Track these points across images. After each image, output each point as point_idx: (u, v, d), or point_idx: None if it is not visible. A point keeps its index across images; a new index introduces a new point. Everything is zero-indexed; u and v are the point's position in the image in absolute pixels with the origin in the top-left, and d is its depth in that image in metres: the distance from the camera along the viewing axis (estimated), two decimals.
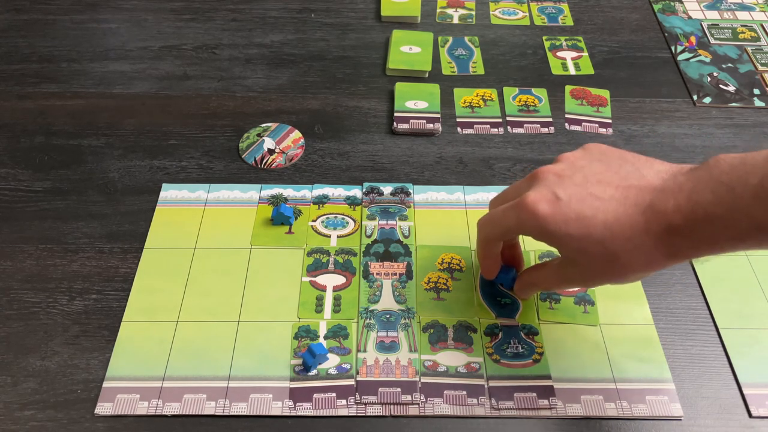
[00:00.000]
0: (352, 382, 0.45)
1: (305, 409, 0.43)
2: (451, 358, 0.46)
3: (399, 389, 0.44)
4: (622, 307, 0.50)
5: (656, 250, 0.37)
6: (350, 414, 0.43)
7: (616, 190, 0.38)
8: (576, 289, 0.50)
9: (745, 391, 0.45)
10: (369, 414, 0.43)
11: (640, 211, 0.37)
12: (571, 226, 0.38)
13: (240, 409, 0.43)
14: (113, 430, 0.43)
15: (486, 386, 0.45)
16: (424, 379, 0.45)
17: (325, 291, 0.50)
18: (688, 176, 0.36)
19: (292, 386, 0.45)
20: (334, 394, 0.44)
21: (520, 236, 0.50)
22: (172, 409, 0.43)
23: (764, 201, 0.32)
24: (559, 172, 0.40)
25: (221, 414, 0.43)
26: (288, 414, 0.43)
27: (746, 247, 0.35)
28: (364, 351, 0.46)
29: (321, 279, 0.51)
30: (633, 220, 0.37)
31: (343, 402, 0.44)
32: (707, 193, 0.34)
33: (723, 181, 0.34)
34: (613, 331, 0.48)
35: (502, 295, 0.50)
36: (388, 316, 0.48)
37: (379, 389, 0.44)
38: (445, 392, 0.44)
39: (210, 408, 0.43)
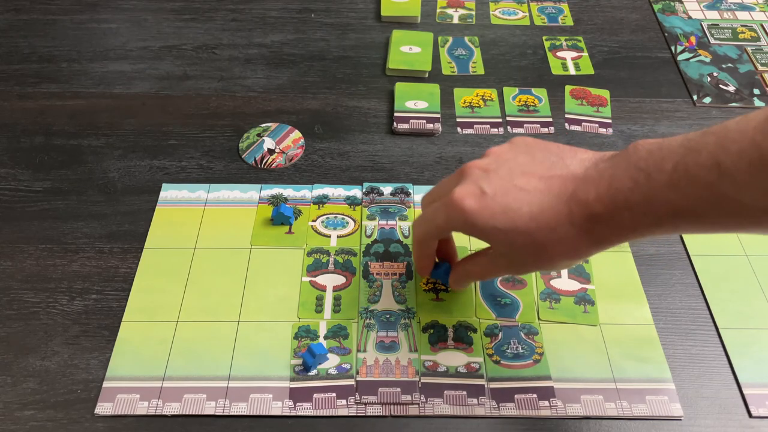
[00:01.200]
0: (352, 382, 0.45)
1: (305, 409, 0.43)
2: (451, 358, 0.46)
3: (399, 389, 0.44)
4: (622, 307, 0.50)
5: (580, 239, 0.37)
6: (350, 414, 0.43)
7: (540, 181, 0.38)
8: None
9: (745, 391, 0.45)
10: (369, 414, 0.43)
11: (563, 201, 0.37)
12: (498, 219, 0.38)
13: (240, 409, 0.44)
14: (113, 430, 0.43)
15: (486, 387, 0.45)
16: (424, 380, 0.45)
17: (325, 291, 0.50)
18: (608, 164, 0.37)
19: (292, 386, 0.45)
20: (334, 394, 0.44)
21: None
22: (172, 409, 0.43)
23: (678, 186, 0.33)
24: (485, 166, 0.40)
25: (221, 414, 0.43)
26: (288, 414, 0.43)
27: (665, 232, 0.35)
28: (364, 351, 0.46)
29: (321, 279, 0.51)
30: (557, 210, 0.37)
31: (343, 402, 0.44)
32: (626, 180, 0.35)
33: (641, 167, 0.34)
34: (613, 331, 0.48)
35: (502, 295, 0.50)
36: (388, 316, 0.48)
37: (379, 389, 0.44)
38: (445, 392, 0.44)
39: (210, 408, 0.43)
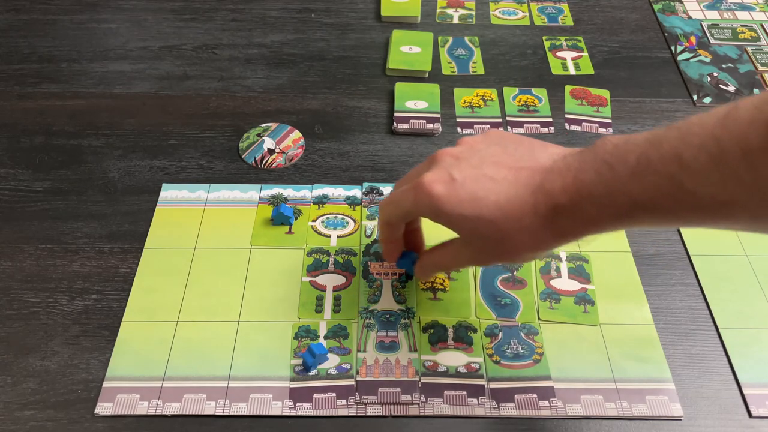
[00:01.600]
0: (352, 382, 0.45)
1: (305, 409, 0.43)
2: (451, 358, 0.46)
3: (399, 389, 0.44)
4: (622, 307, 0.50)
5: (544, 230, 0.37)
6: (350, 414, 0.43)
7: (509, 171, 0.38)
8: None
9: (745, 391, 0.45)
10: (369, 414, 0.43)
11: (530, 192, 0.37)
12: (465, 206, 0.38)
13: (240, 409, 0.44)
14: (113, 430, 0.43)
15: (486, 387, 0.45)
16: (424, 380, 0.45)
17: (325, 291, 0.50)
18: (576, 157, 0.37)
19: (292, 386, 0.45)
20: (334, 394, 0.44)
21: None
22: (172, 409, 0.43)
23: (639, 178, 0.33)
24: (457, 154, 0.41)
25: (221, 414, 0.43)
26: (288, 414, 0.43)
27: (627, 225, 0.36)
28: (364, 351, 0.46)
29: (321, 279, 0.51)
30: (523, 201, 0.37)
31: (343, 402, 0.44)
32: (591, 173, 0.35)
33: (606, 160, 0.35)
34: (613, 331, 0.48)
35: (502, 295, 0.50)
36: (387, 315, 0.48)
37: (379, 389, 0.44)
38: (445, 392, 0.44)
39: (210, 408, 0.43)
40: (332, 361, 0.46)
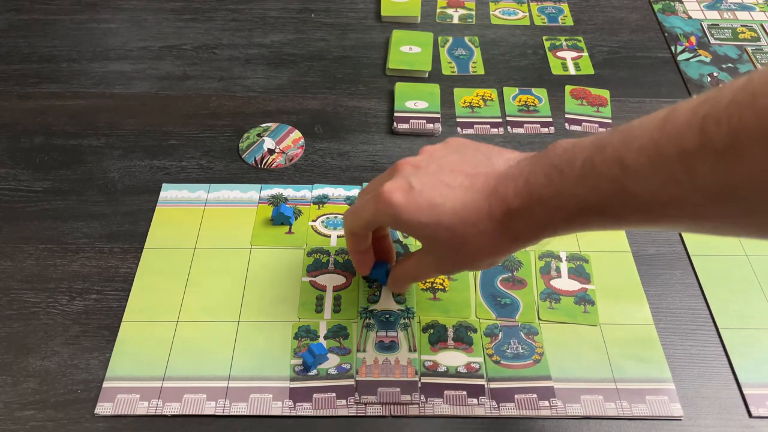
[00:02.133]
0: (352, 382, 0.45)
1: (305, 409, 0.43)
2: (451, 358, 0.46)
3: (398, 389, 0.44)
4: (622, 307, 0.50)
5: (500, 234, 0.38)
6: (350, 414, 0.43)
7: (465, 177, 0.39)
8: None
9: (745, 391, 0.45)
10: (369, 414, 0.43)
11: (484, 197, 0.38)
12: (423, 213, 0.39)
13: (240, 409, 0.44)
14: (113, 430, 0.43)
15: (486, 387, 0.45)
16: (424, 380, 0.45)
17: (325, 291, 0.50)
18: (528, 161, 0.38)
19: (292, 386, 0.45)
20: (333, 394, 0.44)
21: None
22: (172, 409, 0.43)
23: (586, 180, 0.33)
24: (417, 163, 0.41)
25: (221, 414, 0.43)
26: (288, 414, 0.43)
27: (578, 228, 0.36)
28: (364, 351, 0.46)
29: (321, 279, 0.51)
30: (478, 206, 0.38)
31: (343, 402, 0.44)
32: (541, 176, 0.36)
33: (555, 163, 0.35)
34: (613, 331, 0.48)
35: (502, 295, 0.50)
36: (387, 315, 0.48)
37: (379, 389, 0.44)
38: (445, 392, 0.44)
39: (210, 408, 0.43)
40: (332, 361, 0.46)
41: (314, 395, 0.44)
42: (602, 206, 0.34)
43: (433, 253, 0.42)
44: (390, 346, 0.47)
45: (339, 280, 0.51)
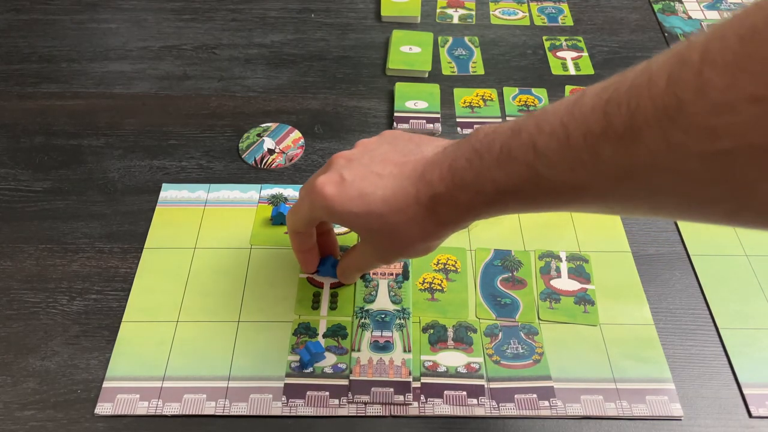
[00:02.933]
0: (346, 382, 0.45)
1: (299, 407, 0.43)
2: (451, 358, 0.46)
3: (392, 389, 0.44)
4: (622, 307, 0.50)
5: (428, 219, 0.38)
6: (350, 414, 0.43)
7: (395, 166, 0.40)
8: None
9: (745, 391, 0.45)
10: (369, 414, 0.43)
11: (412, 183, 0.38)
12: (354, 203, 0.39)
13: (240, 409, 0.44)
14: (113, 430, 0.43)
15: (486, 387, 0.45)
16: (424, 380, 0.45)
17: (322, 288, 0.50)
18: (453, 147, 0.38)
19: (286, 382, 0.45)
20: (327, 393, 0.44)
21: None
22: (172, 409, 0.43)
23: (503, 165, 0.34)
24: (350, 156, 0.42)
25: (221, 414, 0.43)
26: (288, 414, 0.43)
27: (499, 211, 0.37)
28: (358, 350, 0.46)
29: (318, 276, 0.51)
30: (406, 192, 0.38)
31: (336, 401, 0.44)
32: (463, 161, 0.36)
33: (476, 149, 0.36)
34: (613, 331, 0.48)
35: (502, 295, 0.50)
36: (383, 316, 0.48)
37: (372, 389, 0.44)
38: (445, 392, 0.44)
39: (210, 408, 0.43)
40: (329, 360, 0.46)
41: (308, 393, 0.44)
42: (519, 190, 0.34)
43: (370, 242, 0.43)
44: (385, 346, 0.47)
45: None
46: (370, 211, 0.39)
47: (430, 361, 0.46)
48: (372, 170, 0.40)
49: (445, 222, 0.38)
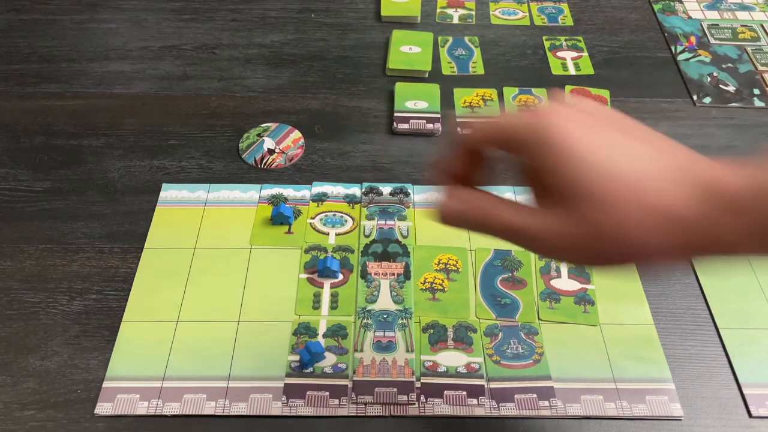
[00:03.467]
0: (346, 382, 0.45)
1: (298, 407, 0.43)
2: (451, 358, 0.46)
3: (395, 389, 0.44)
4: (622, 307, 0.50)
5: (700, 231, 0.28)
6: (350, 414, 0.43)
7: (653, 149, 0.30)
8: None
9: (745, 391, 0.45)
10: (369, 414, 0.43)
11: (688, 175, 0.29)
12: (602, 154, 0.29)
13: (240, 409, 0.43)
14: (113, 430, 0.43)
15: (486, 387, 0.45)
16: (424, 380, 0.45)
17: (323, 288, 0.50)
18: (747, 161, 0.29)
19: (286, 382, 0.45)
20: (327, 393, 0.44)
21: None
22: (172, 409, 0.43)
23: None
24: (577, 112, 0.31)
25: (221, 414, 0.43)
26: (288, 414, 0.43)
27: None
28: (361, 351, 0.46)
29: (318, 276, 0.51)
30: (683, 186, 0.29)
31: (336, 401, 0.44)
32: None
33: None
34: (613, 331, 0.48)
35: (502, 295, 0.50)
36: (385, 316, 0.48)
37: (375, 389, 0.44)
38: (445, 392, 0.44)
39: (210, 408, 0.43)
40: (329, 360, 0.46)
41: (308, 393, 0.44)
42: None
43: (576, 220, 0.29)
44: (387, 347, 0.47)
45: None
46: (617, 177, 0.28)
47: (430, 361, 0.46)
48: (621, 133, 0.30)
49: (717, 244, 0.28)
